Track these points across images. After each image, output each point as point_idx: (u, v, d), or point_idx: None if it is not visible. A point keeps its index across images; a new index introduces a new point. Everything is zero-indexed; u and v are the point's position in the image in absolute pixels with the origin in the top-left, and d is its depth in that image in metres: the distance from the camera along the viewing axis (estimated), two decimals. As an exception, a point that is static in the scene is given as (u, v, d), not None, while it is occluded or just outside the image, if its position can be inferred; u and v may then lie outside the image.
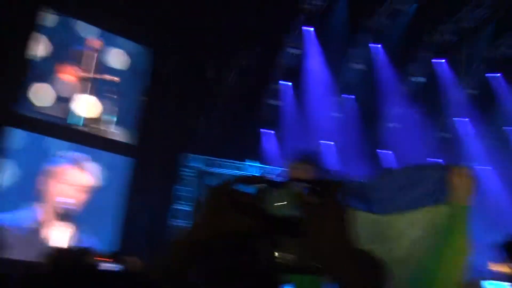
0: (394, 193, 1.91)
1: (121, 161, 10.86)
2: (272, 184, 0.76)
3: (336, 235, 0.71)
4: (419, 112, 13.51)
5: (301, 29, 12.56)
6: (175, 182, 11.61)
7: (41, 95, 10.09)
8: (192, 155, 11.97)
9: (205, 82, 12.20)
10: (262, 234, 0.77)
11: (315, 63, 12.88)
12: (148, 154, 10.76)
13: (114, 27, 11.08)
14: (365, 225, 1.62)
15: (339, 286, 0.70)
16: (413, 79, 13.23)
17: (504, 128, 14.33)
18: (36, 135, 9.75)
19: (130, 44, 11.59)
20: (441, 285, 1.62)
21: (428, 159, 13.54)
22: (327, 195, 0.73)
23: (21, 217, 9.13)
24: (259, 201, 0.76)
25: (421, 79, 13.09)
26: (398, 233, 1.79)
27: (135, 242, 9.97)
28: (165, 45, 11.50)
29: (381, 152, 14.04)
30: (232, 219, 0.76)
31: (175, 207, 11.48)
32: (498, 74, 13.35)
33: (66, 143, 10.09)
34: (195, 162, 12.06)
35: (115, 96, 11.24)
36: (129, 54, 11.60)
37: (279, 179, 0.75)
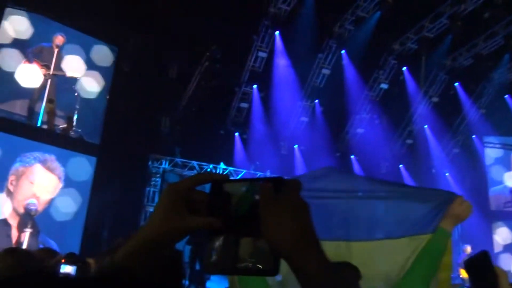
0: (380, 217, 2.11)
1: (84, 161, 11.31)
2: (230, 182, 0.80)
3: (297, 230, 0.73)
4: (383, 118, 14.84)
5: (268, 32, 13.53)
6: (143, 183, 12.20)
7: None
8: (160, 156, 12.60)
9: (169, 81, 12.91)
10: (218, 234, 0.78)
11: (282, 66, 13.89)
12: (112, 153, 11.28)
13: (77, 23, 11.59)
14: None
15: (302, 277, 0.72)
16: (377, 85, 14.50)
17: (472, 136, 15.96)
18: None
19: (93, 41, 12.10)
20: None
21: (390, 164, 14.88)
22: (285, 191, 0.75)
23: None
24: (216, 200, 0.79)
25: (384, 86, 14.37)
26: (383, 260, 1.99)
27: (97, 244, 10.50)
28: (128, 43, 12.15)
29: (347, 157, 15.22)
30: (186, 218, 0.78)
31: (147, 209, 12.07)
32: (457, 83, 14.90)
33: (28, 142, 10.45)
34: (164, 163, 12.69)
35: (76, 94, 11.67)
36: (92, 51, 12.09)
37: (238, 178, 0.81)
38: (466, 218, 2.03)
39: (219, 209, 0.78)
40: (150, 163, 12.51)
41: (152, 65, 12.40)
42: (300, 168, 14.38)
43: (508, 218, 15.80)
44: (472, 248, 15.41)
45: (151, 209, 12.16)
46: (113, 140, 11.45)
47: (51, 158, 10.56)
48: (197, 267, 10.03)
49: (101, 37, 12.16)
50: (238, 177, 12.95)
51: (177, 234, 0.79)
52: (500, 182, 16.18)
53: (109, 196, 10.89)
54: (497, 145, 16.21)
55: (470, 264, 1.00)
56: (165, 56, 12.82)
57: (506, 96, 15.43)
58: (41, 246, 9.51)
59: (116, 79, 12.17)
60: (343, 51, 14.12)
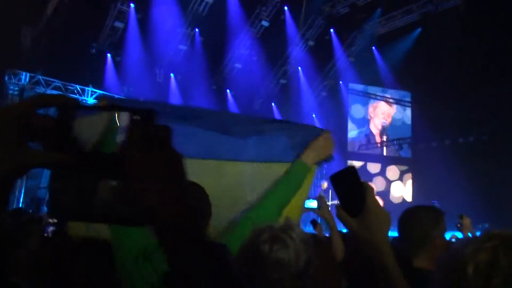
0: (256, 141, 2.18)
1: None
2: (84, 108, 0.66)
3: (167, 186, 0.64)
4: (261, 56, 15.22)
5: None
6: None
7: None
8: (18, 71, 11.50)
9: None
10: (69, 172, 0.65)
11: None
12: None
13: None
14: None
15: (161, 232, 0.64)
16: (258, 22, 14.68)
17: (339, 82, 17.20)
18: None
19: None
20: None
21: (264, 101, 15.54)
22: (156, 141, 0.64)
23: None
24: (65, 129, 0.64)
25: (265, 23, 14.61)
26: (253, 180, 2.09)
27: None
28: None
29: (223, 91, 15.49)
30: (26, 152, 0.63)
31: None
32: (332, 30, 15.73)
33: None
34: (24, 79, 11.62)
35: None
36: None
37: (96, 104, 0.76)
38: (327, 155, 2.14)
39: (69, 142, 0.64)
40: (6, 78, 11.38)
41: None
42: (174, 98, 14.30)
43: (361, 158, 17.77)
44: (328, 184, 17.19)
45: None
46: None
47: None
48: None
49: None
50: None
51: (14, 172, 0.63)
52: (358, 126, 17.97)
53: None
54: (360, 93, 17.79)
55: (336, 178, 1.00)
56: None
57: (373, 47, 16.76)
58: None
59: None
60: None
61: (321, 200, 3.39)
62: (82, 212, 0.66)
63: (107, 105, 0.62)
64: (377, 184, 17.47)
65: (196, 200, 1.64)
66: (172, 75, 14.51)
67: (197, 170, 1.90)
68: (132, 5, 13.18)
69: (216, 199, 1.73)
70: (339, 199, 1.06)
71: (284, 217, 1.92)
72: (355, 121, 17.92)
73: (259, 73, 15.43)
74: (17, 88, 11.57)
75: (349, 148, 17.79)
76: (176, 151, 0.66)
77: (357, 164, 17.41)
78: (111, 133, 0.67)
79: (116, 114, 0.64)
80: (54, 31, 11.83)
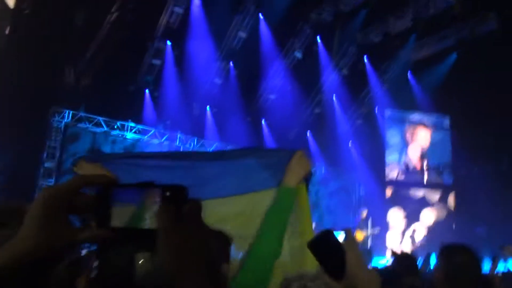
0: (235, 176, 2.23)
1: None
2: (121, 187, 0.70)
3: (193, 255, 0.68)
4: (294, 86, 15.29)
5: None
6: (42, 137, 11.53)
7: None
8: (62, 109, 11.95)
9: (74, 29, 12.11)
10: (109, 246, 0.71)
11: (198, 24, 13.61)
12: (7, 102, 10.50)
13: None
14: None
15: None
16: (291, 53, 14.81)
17: (374, 108, 17.05)
18: None
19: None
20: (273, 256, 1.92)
21: (298, 130, 15.52)
22: (187, 215, 0.68)
23: None
24: (104, 206, 0.69)
25: (298, 54, 14.73)
26: (239, 213, 2.13)
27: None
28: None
29: (258, 122, 15.58)
30: (70, 229, 0.68)
31: (46, 165, 11.50)
32: (366, 58, 15.70)
33: None
34: (67, 117, 12.06)
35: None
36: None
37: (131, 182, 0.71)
38: (307, 172, 2.15)
39: (109, 218, 0.68)
40: (53, 116, 11.82)
41: (57, 9, 11.48)
42: (211, 130, 14.48)
43: (401, 186, 17.33)
44: (367, 213, 16.82)
45: (49, 165, 11.61)
46: (7, 89, 10.60)
47: None
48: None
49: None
50: (146, 135, 12.89)
51: (61, 248, 0.68)
52: (396, 153, 17.61)
53: (2, 150, 10.22)
54: (396, 118, 17.53)
55: (314, 245, 1.05)
56: (71, 1, 11.94)
57: (408, 72, 16.58)
58: None
59: (15, 21, 11.19)
60: (260, 15, 14.12)
61: (348, 233, 3.26)
62: (125, 283, 0.72)
63: (145, 183, 0.69)
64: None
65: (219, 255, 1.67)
66: (208, 107, 14.74)
67: None
68: (168, 42, 13.58)
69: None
70: (321, 265, 1.07)
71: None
72: (392, 147, 17.58)
73: (293, 103, 15.47)
74: (61, 125, 11.99)
75: (388, 175, 17.41)
76: (206, 225, 0.72)
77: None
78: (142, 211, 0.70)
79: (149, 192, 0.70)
80: (95, 69, 12.29)
